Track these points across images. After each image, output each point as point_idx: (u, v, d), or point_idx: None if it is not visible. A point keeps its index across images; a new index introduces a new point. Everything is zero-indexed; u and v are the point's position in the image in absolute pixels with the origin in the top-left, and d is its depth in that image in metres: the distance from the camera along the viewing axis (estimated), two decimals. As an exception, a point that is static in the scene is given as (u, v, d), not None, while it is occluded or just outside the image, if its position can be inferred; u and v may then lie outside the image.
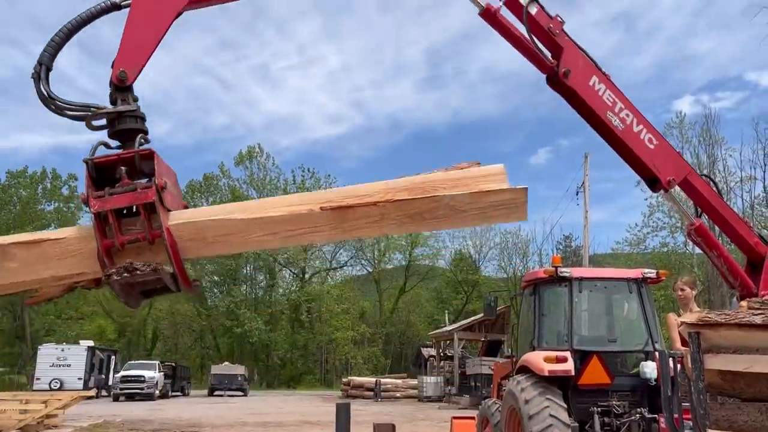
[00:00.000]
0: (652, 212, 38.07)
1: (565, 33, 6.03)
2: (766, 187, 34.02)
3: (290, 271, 61.77)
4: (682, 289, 6.63)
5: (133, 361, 37.76)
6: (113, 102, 2.87)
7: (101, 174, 2.69)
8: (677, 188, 6.49)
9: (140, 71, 2.94)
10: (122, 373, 34.34)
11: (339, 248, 58.79)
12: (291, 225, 2.78)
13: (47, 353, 34.60)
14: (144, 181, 2.69)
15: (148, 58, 2.99)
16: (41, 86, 2.86)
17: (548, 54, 6.06)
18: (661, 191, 6.44)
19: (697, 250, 6.38)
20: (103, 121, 2.86)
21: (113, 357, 39.70)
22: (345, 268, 64.62)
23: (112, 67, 2.87)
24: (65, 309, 53.96)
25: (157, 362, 37.12)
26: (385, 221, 2.77)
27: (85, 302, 54.81)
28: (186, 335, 62.41)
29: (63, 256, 2.72)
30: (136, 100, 2.89)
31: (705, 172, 22.92)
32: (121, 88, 2.87)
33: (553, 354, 7.50)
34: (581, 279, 8.08)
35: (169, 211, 2.71)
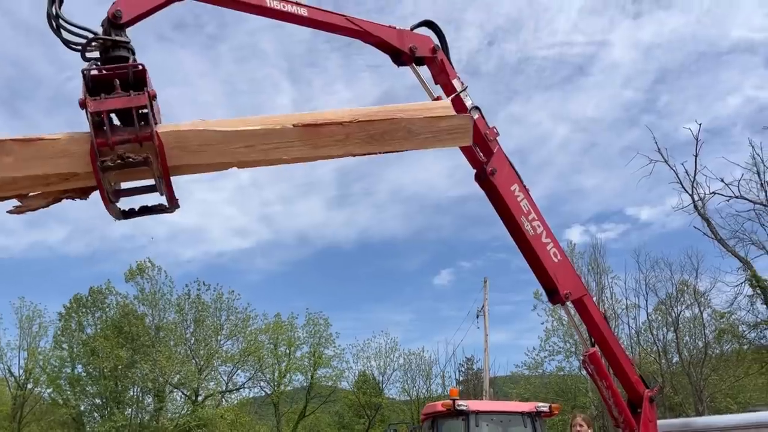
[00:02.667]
0: (548, 336, 39.39)
1: (498, 142, 6.63)
2: (648, 315, 36.35)
3: (182, 392, 57.43)
4: (581, 425, 6.75)
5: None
6: (107, 35, 3.27)
7: (97, 87, 2.95)
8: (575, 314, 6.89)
9: (134, 18, 3.47)
10: None
11: (237, 369, 55.78)
12: (266, 139, 3.11)
13: None
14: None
15: (144, 12, 3.55)
16: (53, 5, 3.24)
17: (480, 153, 6.61)
18: (559, 304, 6.86)
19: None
20: (96, 54, 3.22)
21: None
22: (242, 390, 61.01)
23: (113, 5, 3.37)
24: None
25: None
26: (350, 140, 3.11)
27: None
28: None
29: (57, 155, 2.90)
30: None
31: (595, 299, 24.29)
32: (115, 24, 3.30)
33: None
34: (478, 412, 8.17)
35: (156, 122, 3.04)
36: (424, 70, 6.15)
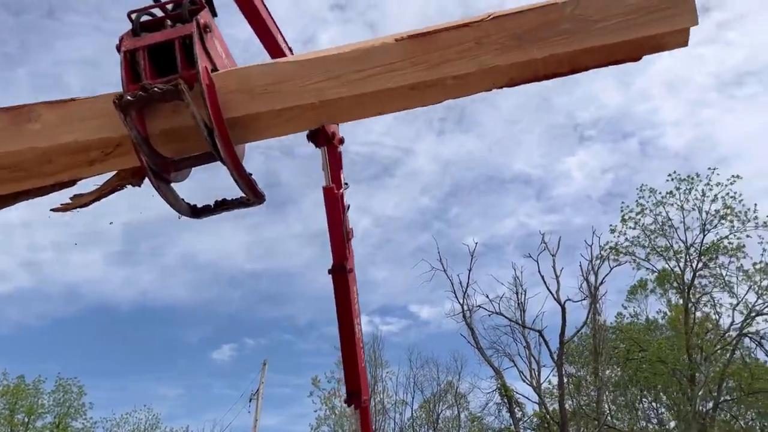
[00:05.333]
0: (319, 425, 39.43)
1: None
2: (413, 411, 38.43)
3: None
4: None
5: None
6: None
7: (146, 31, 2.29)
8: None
9: None
10: None
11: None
12: (358, 64, 2.18)
13: None
14: None
15: None
16: None
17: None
18: (353, 406, 7.28)
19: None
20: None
21: None
22: None
23: None
24: None
25: None
26: (482, 47, 2.10)
27: None
28: None
29: (88, 117, 2.30)
30: None
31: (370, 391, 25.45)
32: None
33: None
34: None
35: (213, 62, 2.28)
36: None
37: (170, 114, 2.22)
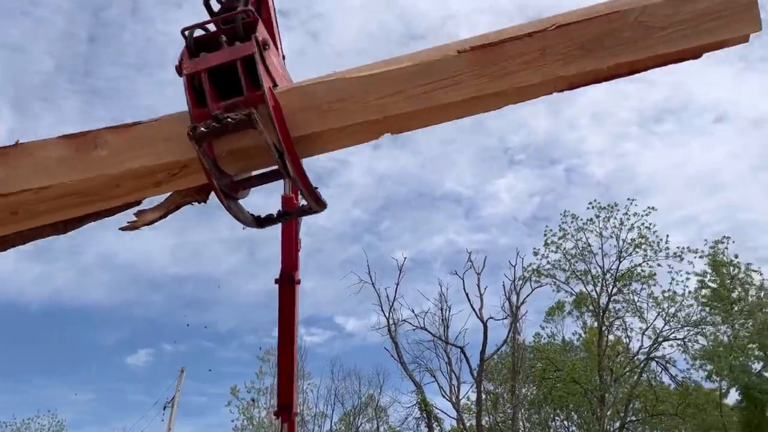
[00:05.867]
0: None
1: None
2: (332, 424, 38.19)
3: None
4: None
5: None
6: None
7: (201, 50, 2.28)
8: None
9: None
10: None
11: None
12: (421, 78, 2.19)
13: None
14: None
15: None
16: None
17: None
18: (278, 418, 7.41)
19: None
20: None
21: None
22: None
23: None
24: None
25: None
26: (547, 57, 2.11)
27: None
28: None
29: (154, 141, 2.31)
30: None
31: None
32: None
33: None
34: None
35: (272, 79, 2.28)
36: None
37: (236, 136, 2.22)
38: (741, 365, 30.86)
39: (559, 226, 34.10)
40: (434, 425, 35.77)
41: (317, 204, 2.43)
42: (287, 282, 6.74)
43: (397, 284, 36.35)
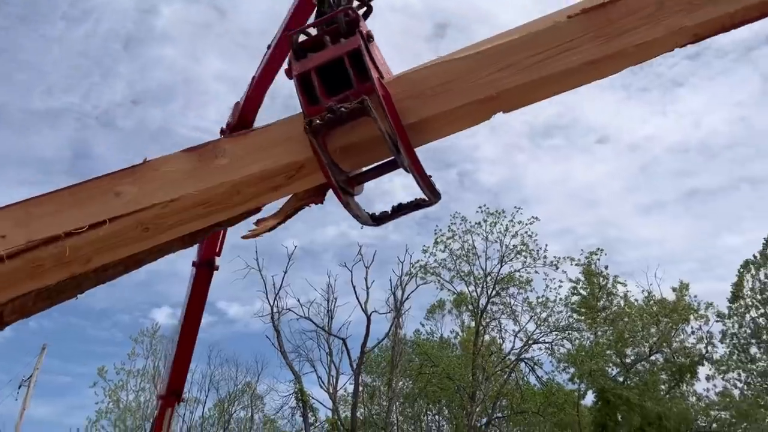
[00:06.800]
0: (99, 418, 36.34)
1: None
2: (205, 410, 37.08)
3: None
4: None
5: None
6: None
7: (306, 52, 2.33)
8: None
9: None
10: None
11: None
12: (531, 48, 2.07)
13: None
14: None
15: None
16: None
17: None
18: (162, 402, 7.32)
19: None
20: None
21: None
22: None
23: None
24: None
25: None
26: (665, 9, 1.94)
27: None
28: None
29: (270, 145, 2.37)
30: None
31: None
32: None
33: None
34: None
35: (377, 68, 2.29)
36: None
37: (348, 130, 2.22)
38: (599, 369, 33.38)
39: (449, 227, 35.13)
40: (309, 415, 35.69)
41: (432, 194, 2.40)
42: (207, 266, 6.64)
43: (285, 272, 35.86)
